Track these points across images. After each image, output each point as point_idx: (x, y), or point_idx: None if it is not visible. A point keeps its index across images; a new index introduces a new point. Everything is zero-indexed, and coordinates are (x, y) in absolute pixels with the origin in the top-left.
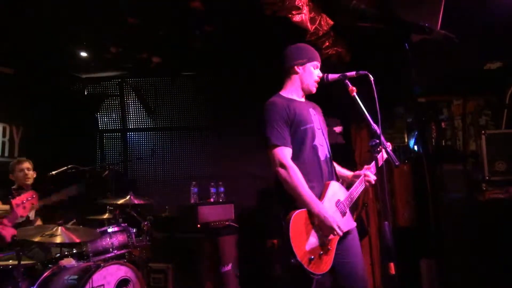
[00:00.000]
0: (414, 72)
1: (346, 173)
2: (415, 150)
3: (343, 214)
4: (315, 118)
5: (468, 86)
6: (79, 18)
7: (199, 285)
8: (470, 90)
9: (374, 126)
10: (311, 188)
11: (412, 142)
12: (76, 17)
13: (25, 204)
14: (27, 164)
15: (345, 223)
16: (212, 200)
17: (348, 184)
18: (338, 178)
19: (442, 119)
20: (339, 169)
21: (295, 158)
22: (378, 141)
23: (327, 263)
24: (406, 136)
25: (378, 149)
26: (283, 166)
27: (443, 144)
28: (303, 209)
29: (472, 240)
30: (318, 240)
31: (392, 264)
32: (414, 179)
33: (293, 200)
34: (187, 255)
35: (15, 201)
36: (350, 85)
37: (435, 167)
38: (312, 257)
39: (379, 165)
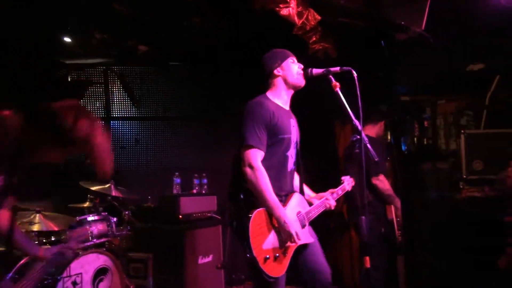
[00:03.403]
0: (399, 71)
1: (309, 192)
2: (397, 148)
3: (303, 226)
4: (294, 130)
5: (451, 86)
6: (63, 1)
7: (179, 275)
8: (453, 90)
9: (356, 122)
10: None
11: (394, 140)
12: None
13: (78, 240)
14: None
15: (303, 235)
16: (195, 191)
17: (308, 202)
18: (302, 192)
19: (425, 118)
20: (305, 187)
21: (264, 162)
22: (358, 136)
23: (281, 268)
24: (389, 134)
25: (358, 145)
26: (251, 167)
27: (425, 142)
28: (264, 209)
29: (448, 238)
30: (276, 242)
31: (367, 258)
32: (395, 177)
33: (256, 199)
34: (168, 245)
35: (74, 234)
36: (333, 81)
37: (415, 165)
38: (268, 256)
39: (343, 193)
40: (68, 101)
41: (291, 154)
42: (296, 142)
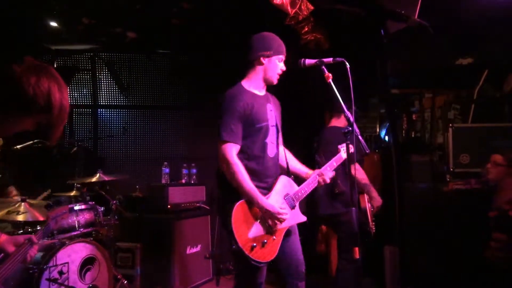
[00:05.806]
0: (390, 64)
1: (303, 169)
2: (385, 140)
3: (292, 207)
4: (271, 115)
5: (440, 80)
6: None
7: (167, 265)
8: (441, 84)
9: (348, 113)
10: (258, 182)
11: (383, 132)
12: None
13: (57, 218)
14: None
15: (293, 216)
16: (183, 181)
17: (303, 180)
18: (289, 174)
19: (414, 111)
20: (297, 165)
21: (243, 152)
22: (350, 128)
23: (271, 252)
24: (378, 126)
25: (349, 136)
26: (227, 162)
27: (413, 135)
28: (246, 199)
29: (434, 228)
30: (262, 229)
31: (356, 249)
32: (383, 168)
33: (236, 191)
34: (156, 235)
35: (52, 213)
36: (326, 71)
37: (403, 157)
38: (255, 244)
39: (339, 163)
40: (28, 61)
41: (271, 140)
42: (276, 126)
